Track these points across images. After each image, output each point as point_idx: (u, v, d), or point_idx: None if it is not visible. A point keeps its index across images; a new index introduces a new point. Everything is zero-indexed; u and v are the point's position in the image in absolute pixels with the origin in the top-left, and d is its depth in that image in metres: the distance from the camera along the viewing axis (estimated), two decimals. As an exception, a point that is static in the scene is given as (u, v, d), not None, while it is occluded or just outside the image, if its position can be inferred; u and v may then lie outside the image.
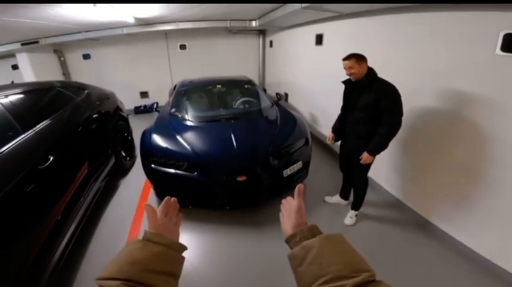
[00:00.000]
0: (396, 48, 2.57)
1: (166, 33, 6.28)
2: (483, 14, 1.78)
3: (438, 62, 2.16)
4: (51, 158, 1.94)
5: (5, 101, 1.93)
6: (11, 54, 5.54)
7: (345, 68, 2.14)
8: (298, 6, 2.99)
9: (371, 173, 2.46)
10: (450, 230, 2.24)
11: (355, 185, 2.56)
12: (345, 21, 3.34)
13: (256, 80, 5.05)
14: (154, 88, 6.82)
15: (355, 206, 2.57)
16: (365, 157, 2.19)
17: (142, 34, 5.70)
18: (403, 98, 2.01)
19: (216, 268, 2.13)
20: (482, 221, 1.99)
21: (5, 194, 1.47)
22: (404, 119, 2.04)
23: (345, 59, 2.12)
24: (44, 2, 2.69)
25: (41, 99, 2.43)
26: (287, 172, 2.64)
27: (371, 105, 2.08)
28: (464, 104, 1.98)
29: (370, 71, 2.12)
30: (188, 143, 2.60)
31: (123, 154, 3.56)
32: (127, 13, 3.96)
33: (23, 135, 1.85)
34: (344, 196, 2.79)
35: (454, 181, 2.16)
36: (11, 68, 6.18)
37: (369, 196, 2.60)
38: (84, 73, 6.17)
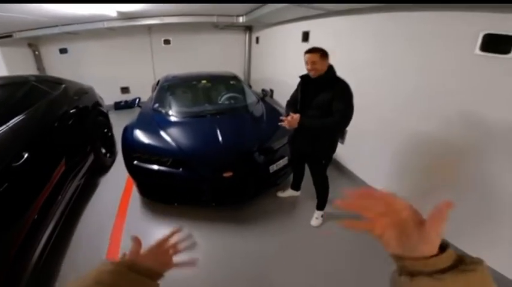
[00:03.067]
0: (380, 47, 2.61)
1: (149, 28, 6.09)
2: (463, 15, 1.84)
3: (421, 62, 2.19)
4: (26, 155, 1.82)
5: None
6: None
7: (306, 62, 1.97)
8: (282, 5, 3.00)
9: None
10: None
11: (316, 186, 2.45)
12: (332, 19, 3.36)
13: (241, 76, 5.03)
14: (136, 83, 6.60)
15: (320, 205, 2.50)
16: (294, 117, 2.00)
17: (125, 28, 5.49)
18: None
19: (199, 265, 2.08)
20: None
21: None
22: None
23: (308, 52, 1.95)
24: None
25: (14, 93, 2.29)
26: (273, 168, 2.64)
27: (327, 104, 1.97)
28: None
29: (330, 68, 2.02)
30: (173, 139, 2.54)
31: (103, 151, 3.43)
32: (109, 7, 3.79)
33: (-5, 131, 1.73)
34: (295, 187, 2.83)
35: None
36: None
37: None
38: (60, 68, 5.85)
